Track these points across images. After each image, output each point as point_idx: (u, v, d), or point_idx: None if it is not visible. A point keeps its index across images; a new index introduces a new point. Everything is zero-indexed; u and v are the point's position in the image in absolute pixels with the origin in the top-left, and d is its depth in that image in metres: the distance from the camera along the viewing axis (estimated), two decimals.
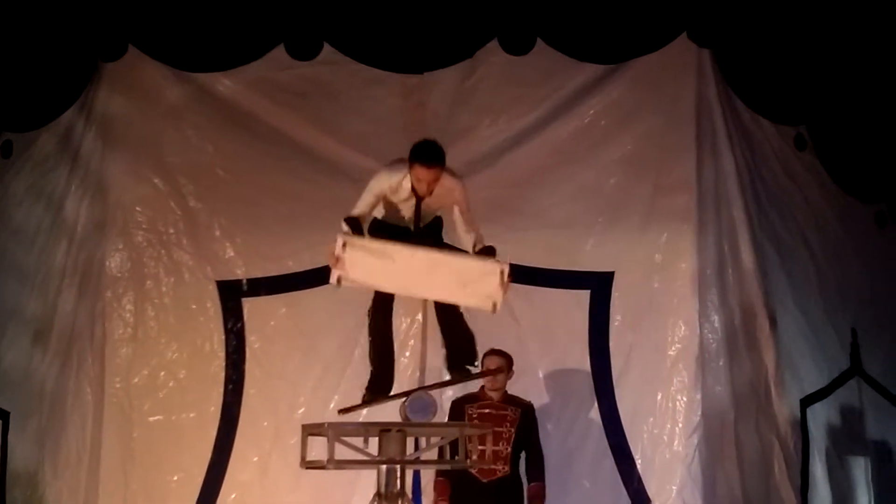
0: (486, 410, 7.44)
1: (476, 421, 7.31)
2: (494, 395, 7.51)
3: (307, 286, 8.40)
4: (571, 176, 8.53)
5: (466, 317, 6.57)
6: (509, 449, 7.39)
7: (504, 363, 7.48)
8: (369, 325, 6.53)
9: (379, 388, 6.48)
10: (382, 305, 6.45)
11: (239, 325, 8.43)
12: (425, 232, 6.35)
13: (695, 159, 8.42)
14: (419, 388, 6.26)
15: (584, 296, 8.49)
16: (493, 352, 7.47)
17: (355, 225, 6.20)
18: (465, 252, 6.32)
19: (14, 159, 7.91)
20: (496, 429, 7.30)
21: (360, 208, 6.31)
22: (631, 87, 8.45)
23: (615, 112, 8.50)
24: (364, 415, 7.91)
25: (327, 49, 8.24)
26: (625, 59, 8.37)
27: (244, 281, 8.48)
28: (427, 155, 6.10)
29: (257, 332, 8.47)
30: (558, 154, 8.53)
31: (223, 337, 8.42)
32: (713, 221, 8.42)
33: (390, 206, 6.39)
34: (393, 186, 6.26)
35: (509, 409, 7.50)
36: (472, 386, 7.57)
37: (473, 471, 7.29)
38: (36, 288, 8.05)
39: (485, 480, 7.36)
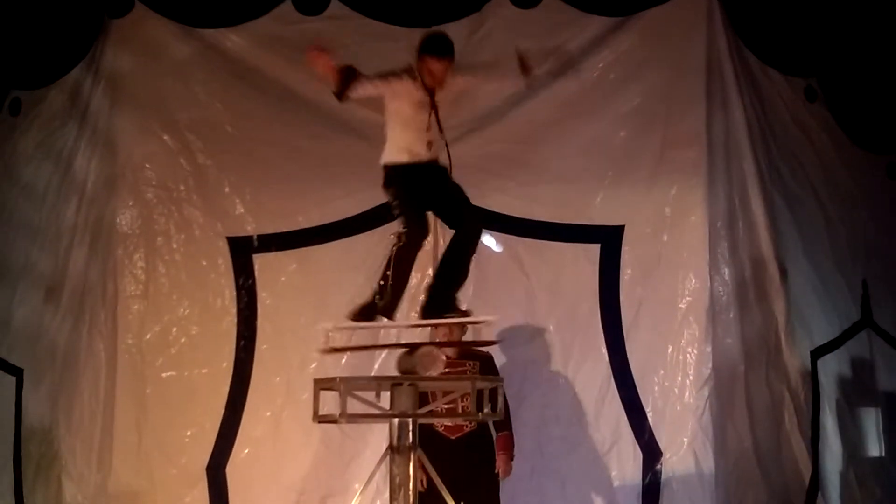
0: (445, 369, 6.82)
1: None
2: (450, 352, 7.15)
3: (317, 242, 8.44)
4: (580, 130, 8.50)
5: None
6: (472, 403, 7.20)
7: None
8: (398, 250, 6.18)
9: (390, 308, 6.18)
10: (415, 240, 6.21)
11: (250, 281, 8.45)
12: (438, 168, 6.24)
13: (704, 112, 8.38)
14: (426, 343, 6.21)
15: (593, 250, 8.48)
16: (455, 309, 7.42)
17: (348, 76, 6.04)
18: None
19: (23, 117, 7.92)
20: None
21: (365, 90, 6.14)
22: (640, 39, 8.39)
23: (624, 65, 8.45)
24: (376, 369, 7.99)
25: (335, 4, 8.22)
26: (634, 11, 8.32)
27: (254, 237, 8.50)
28: (438, 47, 6.09)
29: (268, 287, 8.49)
30: (567, 108, 8.49)
31: (234, 293, 8.46)
32: (723, 174, 8.39)
33: (406, 126, 6.19)
34: (409, 88, 6.12)
35: (467, 363, 7.37)
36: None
37: (440, 428, 7.25)
38: (47, 245, 8.08)
39: (453, 437, 7.32)
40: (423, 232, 6.24)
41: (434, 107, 6.17)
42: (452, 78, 6.21)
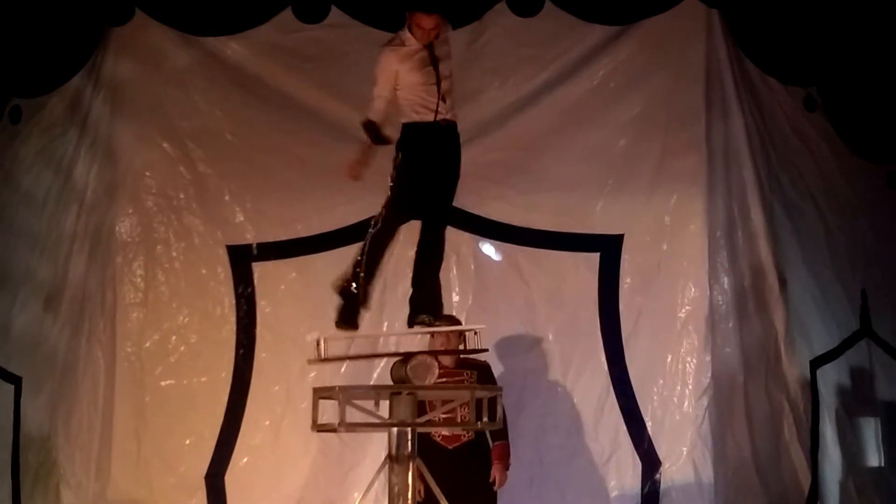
0: (442, 378, 6.91)
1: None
2: (447, 361, 7.23)
3: (317, 250, 8.44)
4: (580, 138, 8.50)
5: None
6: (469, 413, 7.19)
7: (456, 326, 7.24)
8: (372, 236, 6.29)
9: (350, 310, 6.26)
10: (390, 225, 6.30)
11: (249, 289, 8.46)
12: (451, 127, 6.29)
13: (704, 120, 8.38)
14: (420, 352, 6.20)
15: (593, 258, 8.49)
16: (445, 317, 7.42)
17: (375, 133, 6.19)
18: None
19: (23, 125, 7.91)
20: None
21: (376, 104, 6.25)
22: (640, 48, 8.40)
23: (624, 73, 8.45)
24: (375, 378, 7.99)
25: (335, 12, 8.21)
26: (634, 19, 8.31)
27: (254, 245, 8.51)
28: (428, 3, 6.12)
29: (268, 296, 8.50)
30: (567, 116, 8.50)
31: (234, 301, 8.47)
32: (723, 183, 8.39)
33: (409, 86, 6.24)
34: (399, 54, 6.19)
35: (465, 372, 7.32)
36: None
37: (437, 438, 7.23)
38: (46, 253, 8.08)
39: (450, 447, 7.28)
40: (400, 218, 6.28)
41: (435, 60, 6.22)
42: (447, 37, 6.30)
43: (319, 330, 7.83)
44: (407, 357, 6.03)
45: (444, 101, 6.22)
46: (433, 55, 6.23)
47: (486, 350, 6.92)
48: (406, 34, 6.24)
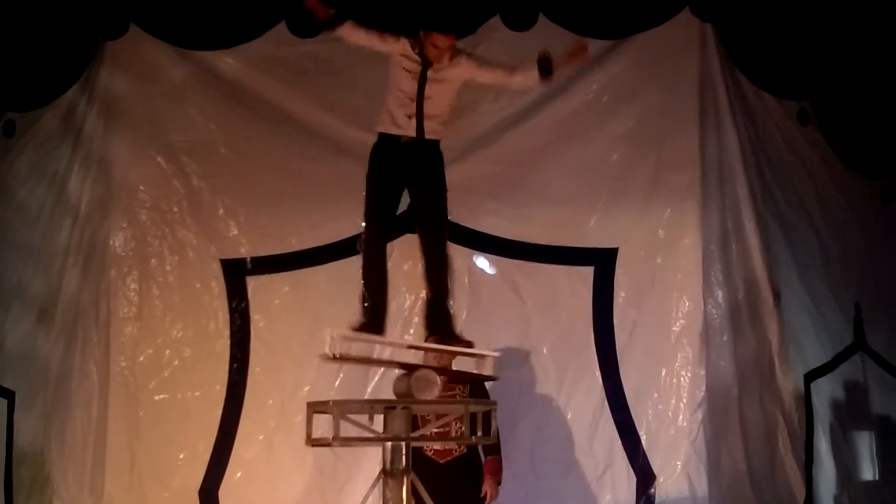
0: None
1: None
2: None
3: (311, 264, 8.44)
4: (574, 152, 8.51)
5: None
6: (464, 427, 7.17)
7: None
8: (363, 262, 6.39)
9: (373, 322, 6.29)
10: (375, 243, 6.37)
11: (243, 303, 8.44)
12: (426, 144, 6.32)
13: (698, 134, 8.39)
14: (422, 366, 6.21)
15: (587, 272, 8.48)
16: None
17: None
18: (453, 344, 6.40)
19: (17, 138, 7.92)
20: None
21: (361, 36, 6.32)
22: (634, 62, 8.42)
23: (618, 87, 8.47)
24: (369, 392, 7.98)
25: None
26: (628, 34, 8.34)
27: (248, 259, 8.49)
28: (444, 22, 6.21)
29: (262, 310, 8.48)
30: (561, 130, 8.51)
31: (228, 315, 8.45)
32: (716, 197, 8.40)
33: (395, 87, 6.34)
34: (405, 48, 6.27)
35: (457, 387, 7.29)
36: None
37: (429, 452, 7.20)
38: (40, 267, 8.08)
39: (442, 462, 7.24)
40: (381, 232, 6.34)
41: (423, 79, 6.26)
42: (458, 58, 6.33)
43: (315, 344, 7.91)
44: (410, 370, 6.02)
45: (418, 120, 6.27)
46: (424, 74, 6.27)
47: (496, 378, 6.95)
48: (416, 44, 6.28)
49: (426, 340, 6.51)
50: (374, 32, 6.30)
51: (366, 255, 6.38)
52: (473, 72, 6.43)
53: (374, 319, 6.28)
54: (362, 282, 6.35)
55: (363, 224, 6.36)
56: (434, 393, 5.92)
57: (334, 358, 5.99)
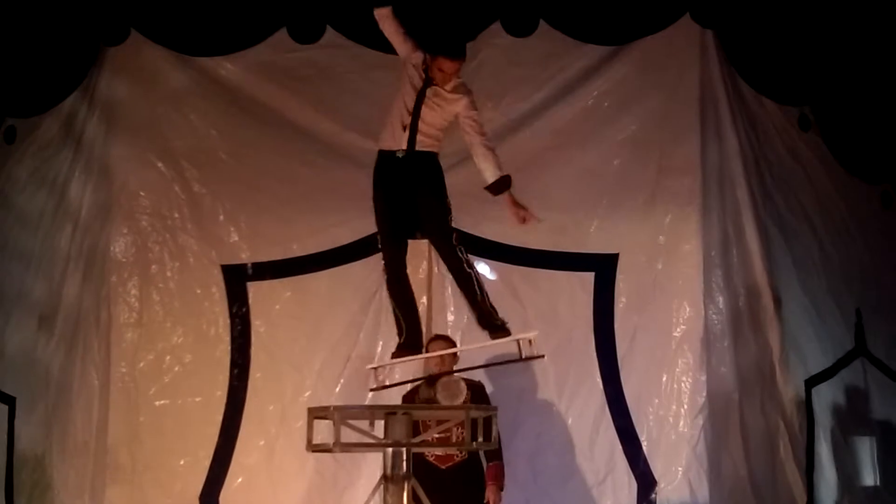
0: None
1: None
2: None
3: (312, 270, 8.45)
4: (575, 158, 8.52)
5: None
6: (464, 433, 7.16)
7: (450, 346, 7.34)
8: (388, 286, 6.55)
9: (412, 342, 6.44)
10: (395, 265, 6.49)
11: (244, 309, 8.44)
12: (422, 156, 6.42)
13: (699, 140, 8.41)
14: (448, 372, 6.23)
15: (588, 278, 8.49)
16: (439, 337, 7.45)
17: None
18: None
19: (17, 144, 7.90)
20: None
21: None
22: (634, 68, 8.42)
23: (619, 93, 8.48)
24: (369, 398, 7.97)
25: (330, 32, 8.21)
26: (628, 40, 8.33)
27: (249, 265, 8.50)
28: (452, 49, 6.34)
29: (262, 316, 8.48)
30: (562, 136, 8.52)
31: (228, 321, 8.45)
32: (717, 203, 8.41)
33: (398, 100, 6.46)
34: (416, 62, 6.44)
35: None
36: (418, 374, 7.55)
37: (430, 458, 7.21)
38: (40, 273, 8.06)
39: (443, 467, 7.26)
40: (394, 247, 6.45)
41: (422, 97, 6.37)
42: (461, 96, 6.44)
43: (315, 349, 7.94)
44: (433, 379, 6.06)
45: (411, 132, 6.37)
46: (424, 91, 6.37)
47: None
48: (424, 62, 6.41)
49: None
50: (402, 31, 6.54)
51: (389, 279, 6.50)
52: (465, 115, 6.50)
53: (412, 339, 6.43)
54: (392, 304, 6.47)
55: (380, 247, 6.53)
56: (460, 399, 5.95)
57: (385, 387, 6.09)
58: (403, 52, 6.55)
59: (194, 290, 8.49)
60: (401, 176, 6.41)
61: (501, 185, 6.52)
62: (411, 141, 6.38)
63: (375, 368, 6.14)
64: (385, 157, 6.47)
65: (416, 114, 6.37)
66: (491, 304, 6.45)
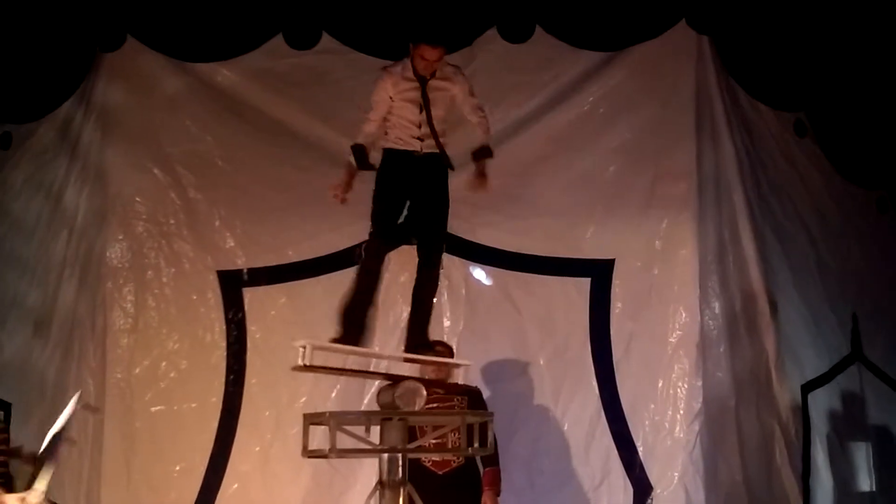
0: (433, 404, 7.02)
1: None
2: (439, 387, 7.14)
3: (307, 275, 8.43)
4: (571, 164, 8.52)
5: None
6: (460, 438, 7.10)
7: (447, 352, 7.32)
8: (357, 274, 6.45)
9: (349, 335, 6.32)
10: (374, 257, 6.40)
11: (240, 315, 8.43)
12: (432, 158, 6.39)
13: (694, 146, 8.41)
14: (408, 378, 6.18)
15: (584, 284, 8.49)
16: (437, 343, 7.43)
17: (361, 156, 6.36)
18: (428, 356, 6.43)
19: (13, 151, 7.91)
20: None
21: (367, 128, 6.44)
22: (630, 74, 8.43)
23: (614, 99, 8.48)
24: (366, 404, 7.97)
25: (326, 38, 8.24)
26: (624, 46, 8.35)
27: (245, 271, 8.48)
28: (433, 36, 6.27)
29: (258, 321, 8.47)
30: (558, 142, 8.52)
31: (224, 327, 8.43)
32: (713, 208, 8.41)
33: (397, 116, 6.38)
34: (395, 80, 6.33)
35: (455, 398, 7.28)
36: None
37: (427, 463, 7.20)
38: (36, 279, 8.06)
39: (440, 472, 7.24)
40: (384, 244, 6.36)
41: (426, 100, 6.32)
42: (455, 76, 6.43)
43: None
44: (395, 382, 6.02)
45: (424, 140, 6.33)
46: (425, 94, 6.32)
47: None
48: (407, 64, 6.33)
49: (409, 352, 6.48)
50: (371, 112, 6.43)
51: (361, 268, 6.42)
52: (463, 94, 6.51)
53: (350, 332, 6.31)
54: (351, 293, 6.37)
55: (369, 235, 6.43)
56: (419, 404, 5.91)
57: (305, 368, 6.00)
58: (384, 95, 6.40)
59: (190, 296, 8.47)
60: (413, 175, 6.35)
61: (484, 152, 6.57)
62: (437, 143, 6.36)
63: (304, 347, 5.99)
64: (395, 156, 6.38)
65: (429, 117, 6.31)
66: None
